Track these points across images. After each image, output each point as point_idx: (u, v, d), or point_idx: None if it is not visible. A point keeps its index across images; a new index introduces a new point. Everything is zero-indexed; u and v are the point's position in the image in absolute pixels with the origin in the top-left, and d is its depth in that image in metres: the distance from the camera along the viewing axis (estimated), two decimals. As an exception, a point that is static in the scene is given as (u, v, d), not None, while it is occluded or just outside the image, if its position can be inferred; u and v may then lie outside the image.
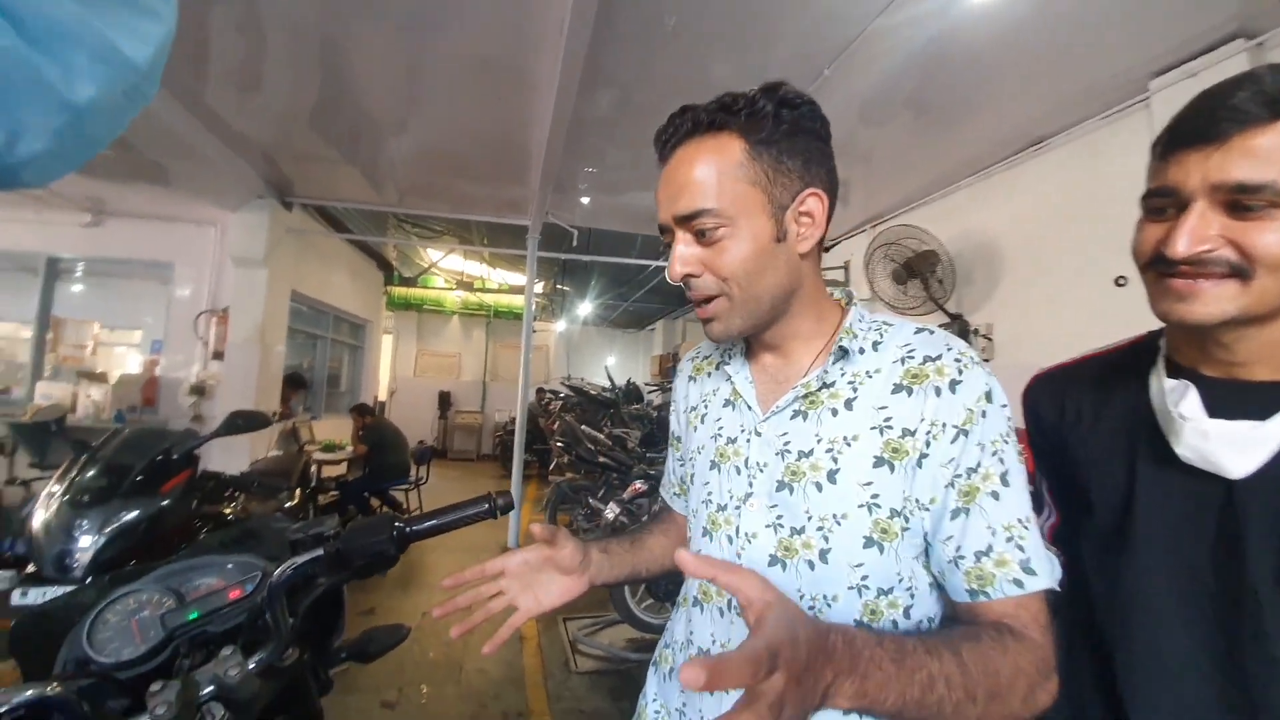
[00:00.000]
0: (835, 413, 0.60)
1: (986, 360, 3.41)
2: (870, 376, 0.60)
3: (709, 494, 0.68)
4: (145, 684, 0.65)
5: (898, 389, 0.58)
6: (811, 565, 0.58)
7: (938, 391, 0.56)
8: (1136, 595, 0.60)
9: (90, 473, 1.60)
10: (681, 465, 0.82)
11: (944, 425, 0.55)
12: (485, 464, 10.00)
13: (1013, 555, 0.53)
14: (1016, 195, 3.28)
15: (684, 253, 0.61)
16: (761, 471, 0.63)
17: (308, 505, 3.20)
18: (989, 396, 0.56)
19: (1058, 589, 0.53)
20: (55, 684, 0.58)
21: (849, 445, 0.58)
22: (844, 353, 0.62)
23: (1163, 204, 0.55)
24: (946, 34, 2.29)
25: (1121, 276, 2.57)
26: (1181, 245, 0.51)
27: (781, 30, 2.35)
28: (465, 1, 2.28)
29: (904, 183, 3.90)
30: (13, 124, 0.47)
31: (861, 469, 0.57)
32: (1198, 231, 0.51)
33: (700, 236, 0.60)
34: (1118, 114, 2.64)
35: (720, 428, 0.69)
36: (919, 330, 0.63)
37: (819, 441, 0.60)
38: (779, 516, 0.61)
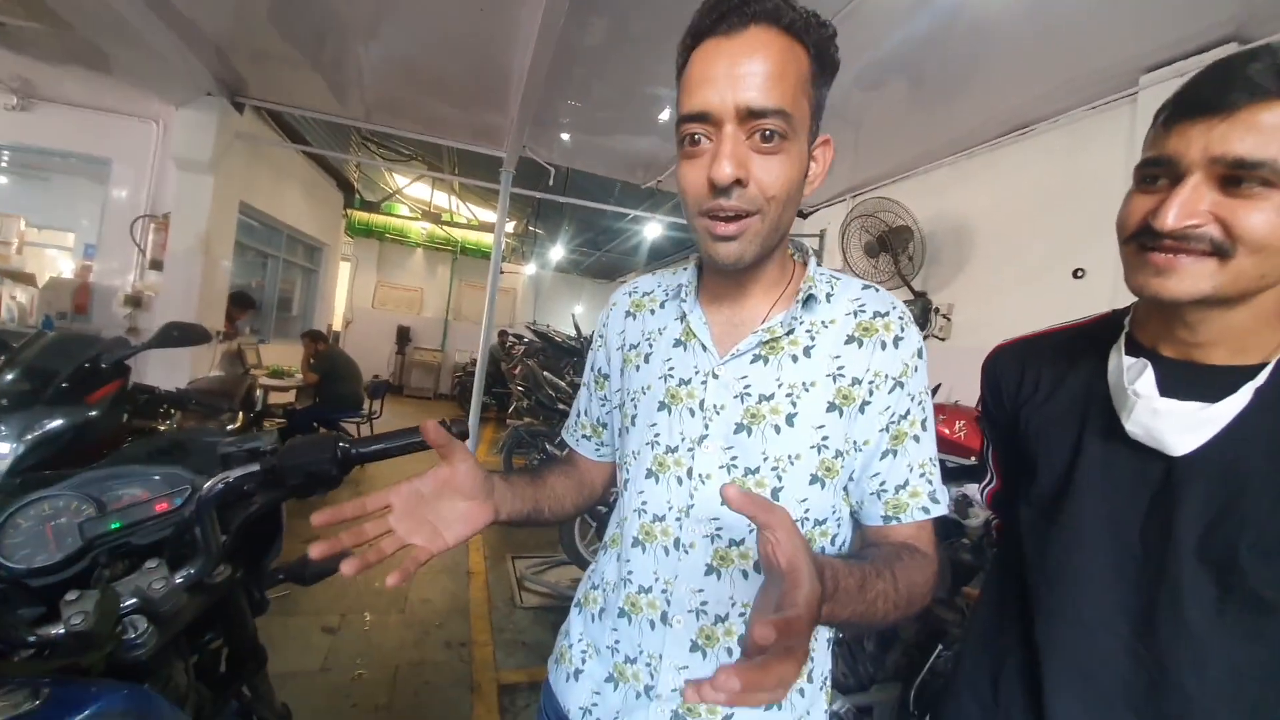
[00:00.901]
0: (795, 359, 0.62)
1: (943, 339, 3.54)
2: (825, 326, 0.63)
3: (655, 435, 0.66)
4: (60, 593, 0.61)
5: (850, 340, 0.62)
6: None
7: (883, 345, 0.61)
8: (1066, 560, 0.63)
9: (10, 375, 1.48)
10: (604, 405, 0.78)
11: (885, 377, 0.61)
12: (442, 404, 9.88)
13: (923, 488, 0.61)
14: (995, 178, 3.31)
15: (738, 152, 0.53)
16: (719, 414, 0.62)
17: (251, 430, 3.09)
18: (919, 354, 0.63)
19: (949, 516, 0.60)
20: (-48, 586, 0.54)
21: (806, 390, 0.61)
22: (810, 300, 0.64)
23: (1157, 173, 0.55)
24: (950, 7, 2.23)
25: (1079, 269, 2.65)
26: (1171, 217, 0.51)
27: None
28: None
29: (888, 155, 3.87)
30: None
31: (816, 413, 0.60)
32: (1189, 205, 0.51)
33: (764, 139, 0.53)
34: (1105, 105, 2.66)
35: (670, 368, 0.67)
36: (865, 286, 0.66)
37: (779, 386, 0.61)
38: (734, 458, 0.61)
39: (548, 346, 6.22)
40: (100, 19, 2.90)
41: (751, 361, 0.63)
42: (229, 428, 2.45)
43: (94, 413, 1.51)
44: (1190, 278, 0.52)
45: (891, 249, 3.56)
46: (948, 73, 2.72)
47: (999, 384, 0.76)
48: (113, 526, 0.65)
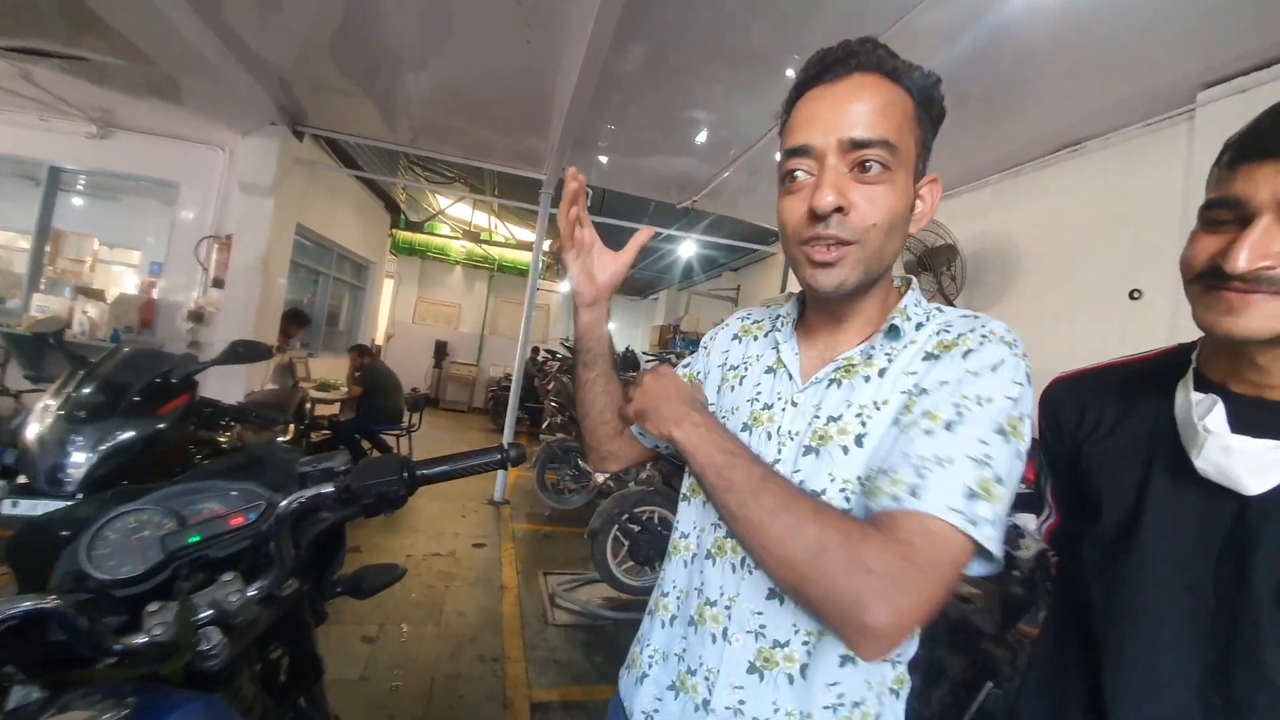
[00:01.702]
0: (868, 379, 0.60)
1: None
2: (905, 348, 0.61)
3: None
4: (142, 603, 0.65)
5: (928, 357, 0.59)
6: None
7: (955, 357, 0.57)
8: (1135, 604, 0.61)
9: (88, 388, 1.59)
10: None
11: (940, 382, 0.55)
12: (476, 416, 10.06)
13: (908, 476, 0.51)
14: (1044, 198, 3.22)
15: (840, 182, 0.55)
16: (792, 440, 0.63)
17: (301, 441, 3.21)
18: (994, 369, 0.54)
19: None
20: (53, 596, 0.58)
21: (878, 410, 0.58)
22: (895, 331, 0.62)
23: (1224, 215, 0.53)
24: (998, 26, 2.20)
25: (1135, 290, 2.54)
26: (1243, 260, 0.50)
27: (827, 2, 2.26)
28: (501, -66, 2.17)
29: (933, 172, 3.81)
30: None
31: (886, 432, 0.57)
32: (1260, 247, 0.50)
33: (863, 170, 0.56)
34: (1160, 123, 2.56)
35: (758, 392, 0.69)
36: (964, 315, 0.62)
37: (849, 406, 0.60)
38: (800, 481, 0.60)
39: (581, 363, 6.29)
40: (178, 54, 3.13)
41: (827, 386, 0.63)
42: (281, 439, 2.56)
43: (163, 425, 1.61)
44: (1263, 317, 0.51)
45: (933, 268, 3.48)
46: (995, 91, 2.68)
47: (1058, 418, 0.74)
48: (192, 540, 0.68)
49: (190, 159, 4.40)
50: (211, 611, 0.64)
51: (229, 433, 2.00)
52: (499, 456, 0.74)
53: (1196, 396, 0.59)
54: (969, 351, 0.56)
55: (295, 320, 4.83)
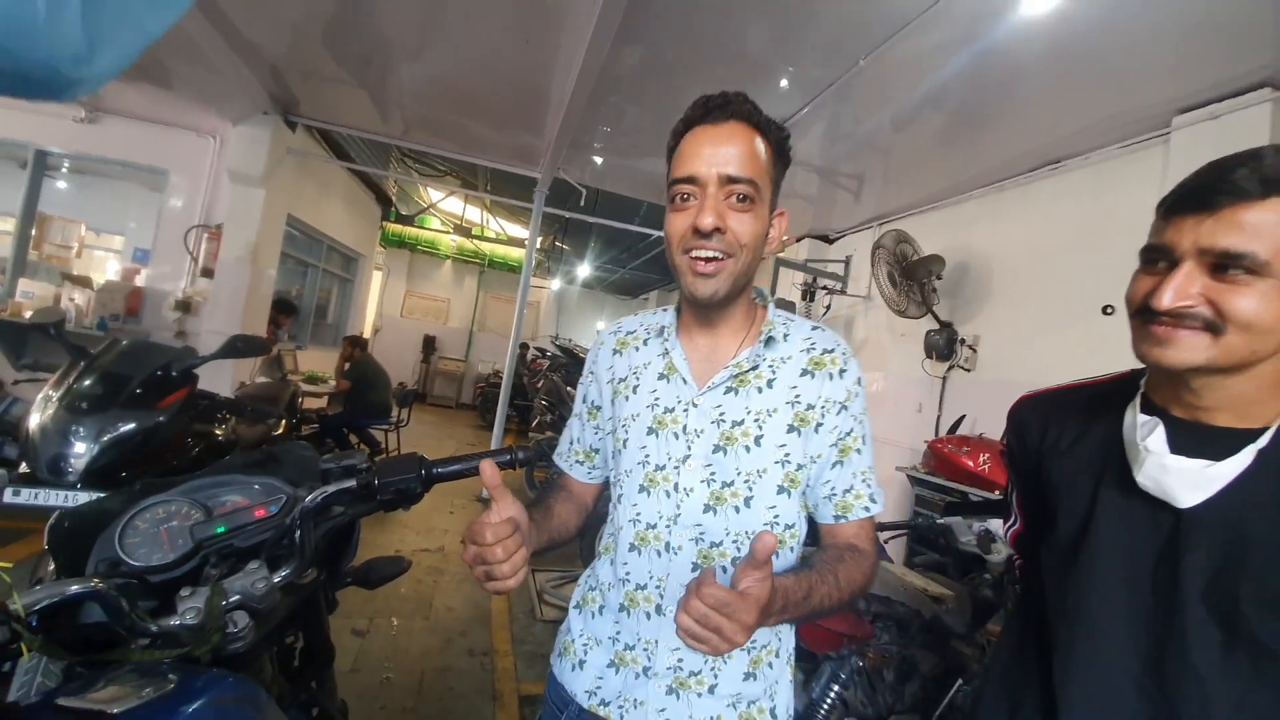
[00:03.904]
0: (760, 390, 0.75)
1: (969, 370, 3.54)
2: (784, 362, 0.76)
3: (646, 455, 0.77)
4: (172, 589, 0.69)
5: (804, 373, 0.75)
6: (737, 510, 0.73)
7: (830, 377, 0.75)
8: (1083, 603, 0.68)
9: (89, 380, 1.60)
10: (597, 433, 0.88)
11: (833, 402, 0.75)
12: (464, 413, 10.03)
13: (864, 491, 0.75)
14: (1026, 213, 3.33)
15: (721, 207, 0.70)
16: (699, 437, 0.75)
17: (291, 435, 3.22)
18: (859, 382, 0.77)
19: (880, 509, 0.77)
20: (96, 580, 0.62)
21: (770, 416, 0.74)
22: (770, 340, 0.77)
23: (1157, 259, 0.61)
24: (987, 44, 2.28)
25: (1109, 305, 2.65)
26: (1167, 299, 0.58)
27: (823, 11, 2.31)
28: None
29: (918, 185, 3.91)
30: (95, 35, 0.44)
31: (779, 434, 0.73)
32: (1182, 289, 0.58)
33: (739, 200, 0.70)
34: (1137, 145, 2.68)
35: (656, 398, 0.78)
36: (814, 327, 0.79)
37: (748, 413, 0.74)
38: (712, 473, 0.74)
39: (570, 361, 6.32)
40: (169, 38, 3.08)
41: (724, 393, 0.75)
42: (274, 433, 2.57)
43: (163, 418, 1.63)
44: (1187, 349, 0.58)
45: (917, 279, 3.58)
46: (980, 109, 2.77)
47: (1023, 432, 0.81)
48: (218, 530, 0.73)
49: (180, 146, 4.35)
50: (238, 597, 0.69)
51: (224, 426, 2.02)
52: (509, 458, 0.79)
53: (1142, 419, 0.66)
54: (842, 371, 0.75)
55: (283, 310, 4.80)
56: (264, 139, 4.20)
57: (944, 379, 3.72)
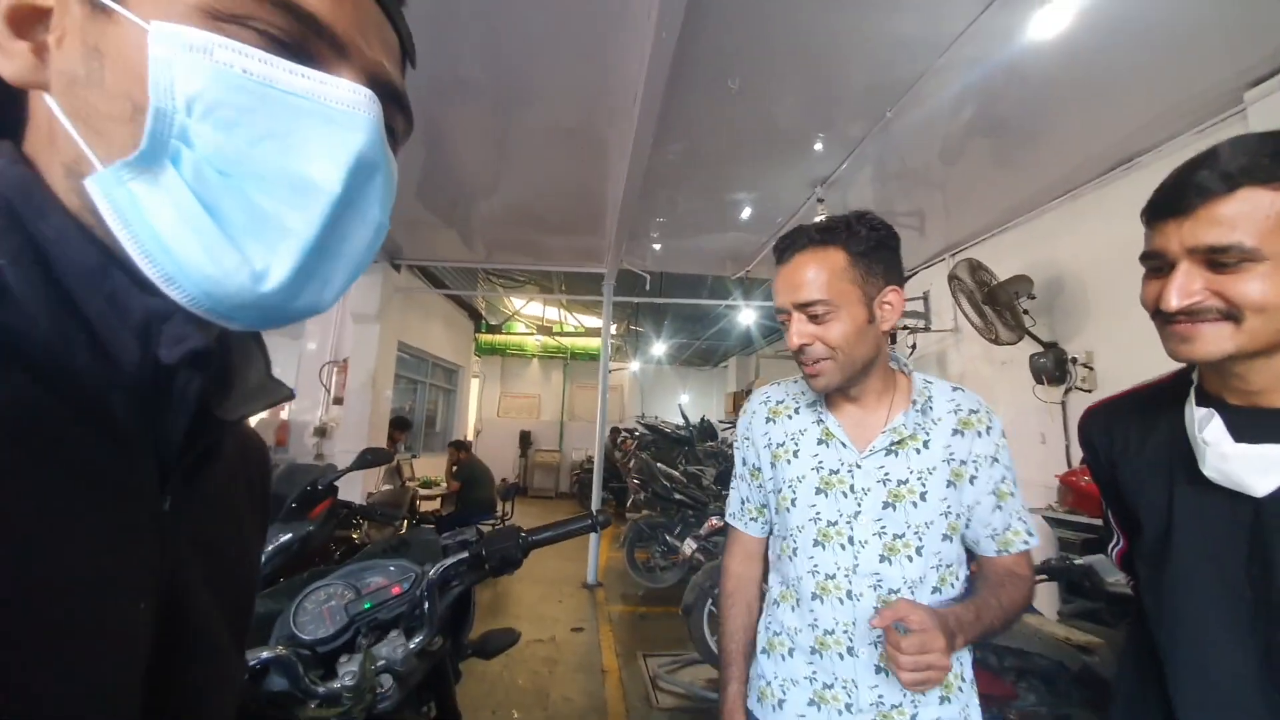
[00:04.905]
0: (919, 451, 0.85)
1: (1088, 391, 3.22)
2: (936, 424, 0.87)
3: (816, 513, 0.87)
4: (333, 656, 0.84)
5: (955, 432, 0.86)
6: (910, 559, 0.83)
7: (979, 434, 0.86)
8: (1179, 608, 0.64)
9: (256, 500, 1.92)
10: (760, 491, 0.98)
11: (985, 457, 0.86)
12: (563, 501, 10.27)
13: (1021, 528, 0.87)
14: (1106, 217, 3.14)
15: (801, 329, 0.83)
16: (867, 495, 0.85)
17: (412, 536, 3.51)
18: (1003, 434, 0.88)
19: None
20: (281, 648, 0.78)
21: (931, 474, 0.84)
22: (923, 407, 0.87)
23: (1157, 264, 0.63)
24: (1017, 60, 2.26)
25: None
26: (1173, 301, 0.60)
27: (845, 77, 2.46)
28: (550, 81, 2.60)
29: (982, 210, 3.81)
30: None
31: (940, 489, 0.84)
32: (1184, 288, 0.59)
33: (814, 319, 0.82)
34: (1212, 128, 2.51)
35: (820, 461, 0.89)
36: (955, 388, 0.91)
37: (911, 472, 0.85)
38: (883, 527, 0.84)
39: (658, 438, 6.41)
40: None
41: (885, 455, 0.86)
42: (401, 534, 2.85)
43: (313, 527, 1.90)
44: (1212, 341, 0.59)
45: (1002, 303, 3.41)
46: (1031, 121, 2.71)
47: (1093, 443, 0.80)
48: (366, 606, 0.88)
49: (313, 299, 5.20)
50: (384, 661, 0.82)
51: (359, 530, 2.29)
52: (590, 522, 0.89)
53: (1198, 411, 0.65)
54: (989, 428, 0.87)
55: (399, 426, 5.37)
56: (377, 283, 4.95)
57: (1063, 404, 3.40)
